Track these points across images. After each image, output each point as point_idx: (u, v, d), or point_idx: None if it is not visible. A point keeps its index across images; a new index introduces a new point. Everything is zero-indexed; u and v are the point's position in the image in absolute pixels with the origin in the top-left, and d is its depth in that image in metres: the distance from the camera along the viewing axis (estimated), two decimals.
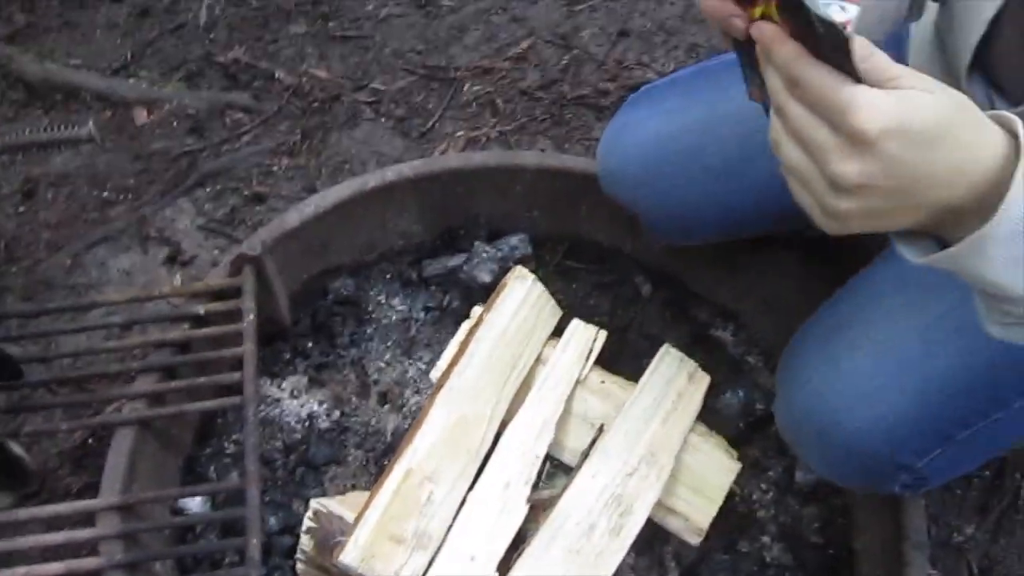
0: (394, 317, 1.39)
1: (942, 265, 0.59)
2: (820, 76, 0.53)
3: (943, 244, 0.59)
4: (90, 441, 1.32)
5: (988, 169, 0.54)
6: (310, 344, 1.36)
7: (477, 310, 1.23)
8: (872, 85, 0.52)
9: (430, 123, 1.73)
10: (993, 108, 0.82)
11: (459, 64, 1.83)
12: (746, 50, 0.64)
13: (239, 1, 1.95)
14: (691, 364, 1.21)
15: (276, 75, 1.80)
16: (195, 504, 1.19)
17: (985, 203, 0.55)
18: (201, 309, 1.21)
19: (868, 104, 0.51)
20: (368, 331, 1.37)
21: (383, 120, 1.75)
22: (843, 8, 0.56)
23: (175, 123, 1.73)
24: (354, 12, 1.93)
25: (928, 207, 0.55)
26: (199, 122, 1.72)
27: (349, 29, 1.90)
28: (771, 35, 0.55)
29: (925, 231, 0.60)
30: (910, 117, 0.51)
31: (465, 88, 1.79)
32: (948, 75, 0.86)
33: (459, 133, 1.71)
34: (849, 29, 0.51)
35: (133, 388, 1.16)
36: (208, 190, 1.63)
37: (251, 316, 1.18)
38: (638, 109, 1.13)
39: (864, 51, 0.52)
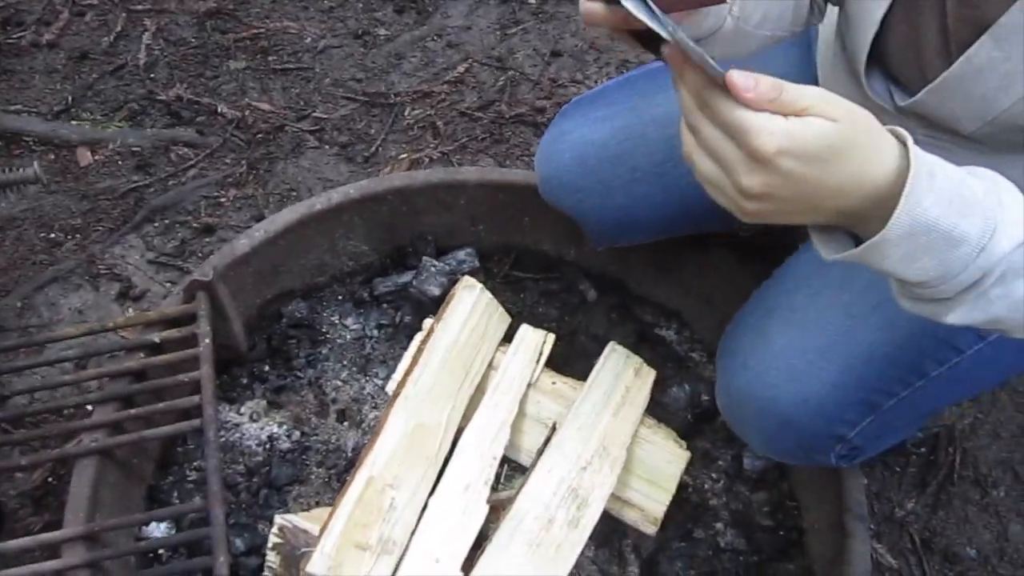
0: (348, 336, 1.42)
1: (849, 261, 0.66)
2: (724, 101, 0.60)
3: (855, 237, 0.66)
4: (50, 480, 1.33)
5: (883, 180, 0.62)
6: (267, 368, 1.38)
7: (428, 322, 1.27)
8: (787, 115, 0.59)
9: (373, 148, 1.77)
10: (892, 99, 0.90)
11: (398, 90, 1.88)
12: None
13: (178, 40, 1.98)
14: (637, 360, 1.26)
15: (219, 109, 1.83)
16: (160, 530, 1.20)
17: (884, 208, 0.62)
18: (156, 338, 1.22)
19: (763, 129, 0.58)
20: (324, 351, 1.40)
21: (327, 147, 1.78)
22: (664, 26, 0.62)
23: (120, 161, 1.75)
24: (293, 45, 1.97)
25: (827, 211, 0.63)
26: (144, 159, 1.74)
27: (289, 62, 1.94)
28: (681, 60, 0.62)
29: (838, 226, 0.66)
30: (803, 140, 0.59)
31: (406, 112, 1.83)
32: (851, 72, 0.93)
33: (402, 156, 1.76)
34: (701, 59, 0.59)
35: (92, 419, 1.17)
36: (157, 225, 1.65)
37: (207, 340, 1.20)
38: (570, 119, 1.18)
39: (775, 91, 0.59)
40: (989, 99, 0.79)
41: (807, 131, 0.59)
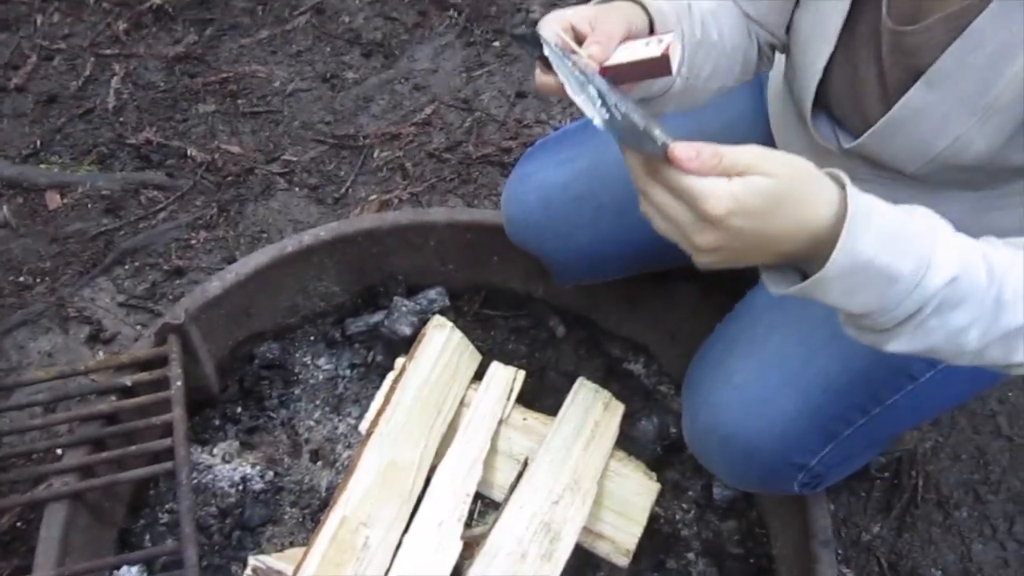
0: (321, 376, 1.43)
1: (795, 295, 0.70)
2: (670, 169, 0.64)
3: (803, 271, 0.71)
4: (19, 524, 1.32)
5: (823, 224, 0.66)
6: (239, 409, 1.39)
7: (400, 361, 1.29)
8: (729, 175, 0.64)
9: (343, 189, 1.80)
10: (838, 140, 0.94)
11: (367, 132, 1.91)
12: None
13: (147, 84, 2.00)
14: (606, 394, 1.29)
15: (189, 152, 1.84)
16: (132, 574, 1.20)
17: (825, 248, 0.66)
18: (128, 380, 1.23)
19: (711, 194, 0.63)
20: (296, 392, 1.41)
21: (297, 189, 1.81)
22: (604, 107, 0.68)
23: (90, 205, 1.76)
24: (262, 89, 2.00)
25: (773, 255, 0.69)
26: (114, 202, 1.75)
27: (258, 105, 1.97)
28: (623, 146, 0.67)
29: (787, 264, 0.71)
30: (748, 199, 0.64)
31: (375, 154, 1.86)
32: (799, 115, 0.98)
33: (372, 197, 1.78)
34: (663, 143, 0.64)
35: (62, 463, 1.17)
36: (127, 267, 1.65)
37: (179, 382, 1.21)
38: (534, 162, 1.22)
39: (715, 158, 0.64)
40: (927, 141, 0.83)
41: (749, 189, 0.64)
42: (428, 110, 1.95)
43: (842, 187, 0.67)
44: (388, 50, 2.09)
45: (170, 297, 1.61)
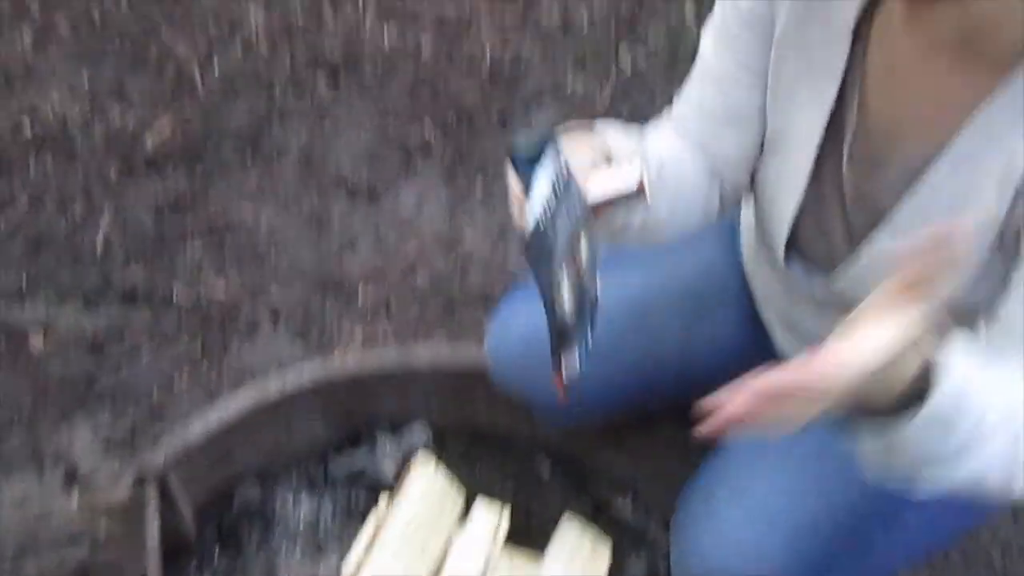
0: (302, 518, 1.40)
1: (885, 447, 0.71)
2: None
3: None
4: None
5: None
6: (217, 553, 1.35)
7: (384, 501, 1.27)
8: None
9: (328, 329, 1.81)
10: (810, 280, 0.97)
11: (352, 272, 1.94)
12: None
13: (136, 226, 2.03)
14: (593, 533, 1.27)
15: (175, 293, 1.86)
16: None
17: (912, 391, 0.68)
18: (101, 530, 1.20)
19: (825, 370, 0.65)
20: (276, 534, 1.38)
21: (282, 329, 1.82)
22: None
23: (73, 345, 1.75)
24: (248, 230, 2.04)
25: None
26: (98, 343, 1.75)
27: (245, 246, 2.00)
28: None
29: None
30: (863, 361, 0.65)
31: (359, 294, 1.89)
32: (771, 255, 1.01)
33: (356, 336, 1.80)
34: None
35: None
36: (107, 408, 1.64)
37: (154, 532, 1.18)
38: (517, 303, 1.23)
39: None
40: None
41: (863, 352, 0.65)
42: (413, 250, 1.99)
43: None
44: (374, 191, 2.15)
45: (150, 439, 1.59)
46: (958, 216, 0.80)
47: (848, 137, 0.88)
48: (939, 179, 0.81)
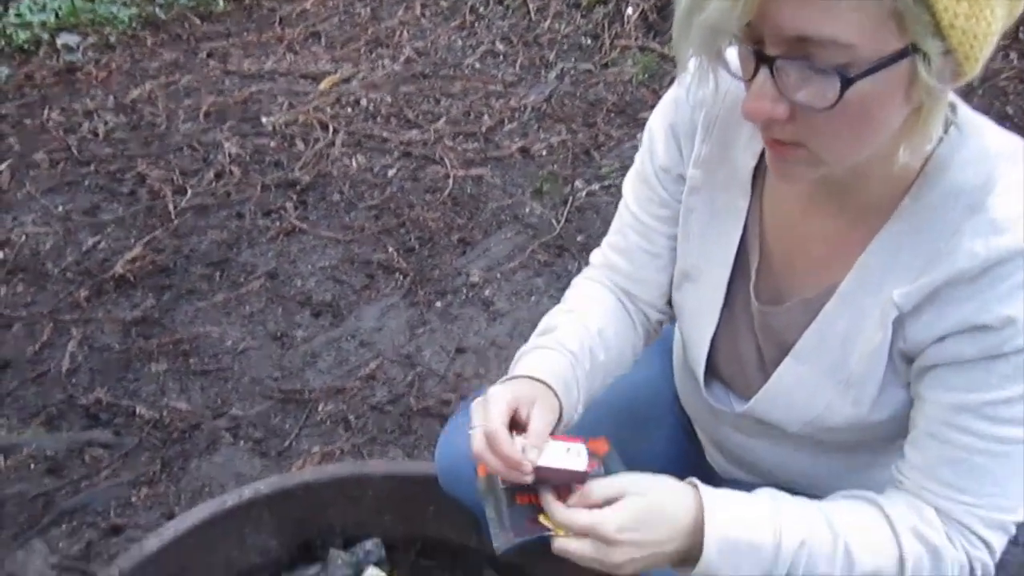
0: None
1: None
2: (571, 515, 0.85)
3: None
4: None
5: (691, 519, 0.82)
6: None
7: None
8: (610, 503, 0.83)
9: (287, 443, 1.85)
10: (730, 403, 1.03)
11: (313, 387, 1.99)
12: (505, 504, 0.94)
13: (102, 346, 2.09)
14: None
15: (137, 411, 1.90)
16: None
17: (700, 538, 0.81)
18: None
19: (601, 521, 0.82)
20: None
21: (242, 443, 1.85)
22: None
23: (32, 466, 1.78)
24: (214, 348, 2.10)
25: (671, 556, 0.83)
26: (57, 463, 1.78)
27: (209, 363, 2.06)
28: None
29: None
30: (627, 514, 0.82)
31: (319, 408, 1.94)
32: (695, 381, 1.06)
33: (315, 449, 1.83)
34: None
35: None
36: (64, 527, 1.65)
37: None
38: (468, 414, 1.28)
39: (587, 496, 0.85)
40: (801, 407, 0.92)
41: (629, 508, 0.82)
42: (372, 365, 2.06)
43: (695, 487, 0.83)
44: (336, 310, 2.23)
45: (105, 556, 1.60)
46: (851, 348, 0.87)
47: (752, 275, 0.95)
48: (831, 316, 0.88)
